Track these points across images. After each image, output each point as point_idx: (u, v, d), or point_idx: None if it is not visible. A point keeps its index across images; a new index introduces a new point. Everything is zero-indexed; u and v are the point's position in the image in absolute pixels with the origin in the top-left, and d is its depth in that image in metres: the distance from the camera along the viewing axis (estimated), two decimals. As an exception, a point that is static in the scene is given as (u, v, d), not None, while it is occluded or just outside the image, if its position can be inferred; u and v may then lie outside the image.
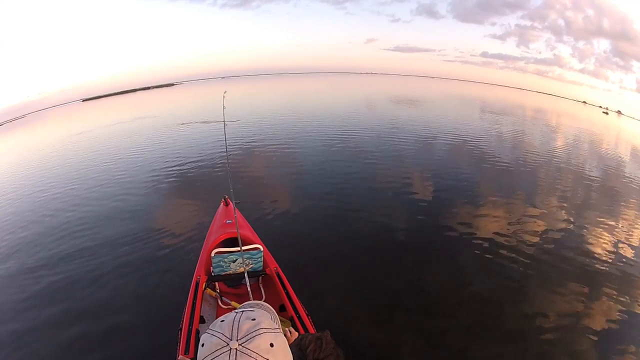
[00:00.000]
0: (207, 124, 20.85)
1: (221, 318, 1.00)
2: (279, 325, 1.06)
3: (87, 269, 5.85)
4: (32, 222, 8.26)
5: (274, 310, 1.13)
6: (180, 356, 2.84)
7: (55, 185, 11.14)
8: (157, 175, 10.90)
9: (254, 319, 0.97)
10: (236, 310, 1.03)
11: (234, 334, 0.93)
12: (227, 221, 4.90)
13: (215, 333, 0.95)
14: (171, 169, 11.54)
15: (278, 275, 4.05)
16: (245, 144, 14.66)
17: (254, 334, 0.93)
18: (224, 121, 4.99)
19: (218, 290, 4.20)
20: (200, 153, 13.64)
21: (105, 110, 47.15)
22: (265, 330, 0.95)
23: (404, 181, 10.40)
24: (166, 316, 4.28)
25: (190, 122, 21.74)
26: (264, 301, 3.94)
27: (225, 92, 5.25)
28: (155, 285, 5.31)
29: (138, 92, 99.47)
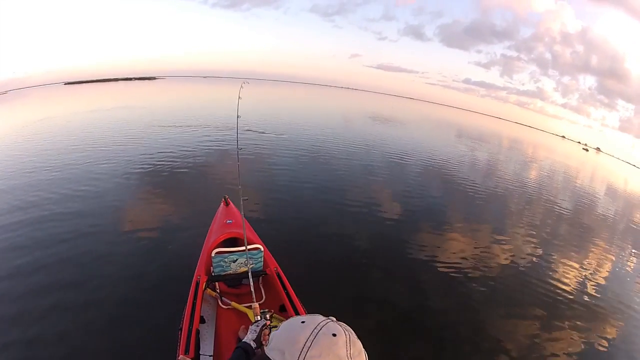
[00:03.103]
0: (202, 125, 20.48)
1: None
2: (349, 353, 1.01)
3: (85, 269, 5.68)
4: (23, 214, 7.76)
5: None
6: (180, 356, 2.82)
7: (43, 176, 10.20)
8: (155, 175, 10.60)
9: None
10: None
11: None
12: (227, 221, 4.90)
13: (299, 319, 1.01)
14: (170, 169, 11.26)
15: (278, 275, 4.06)
16: (246, 144, 14.55)
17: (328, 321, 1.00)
18: (237, 119, 4.96)
19: (218, 290, 4.16)
20: (202, 151, 13.56)
21: (89, 97, 45.75)
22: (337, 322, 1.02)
23: (381, 198, 10.72)
24: (166, 316, 4.26)
25: (186, 122, 21.10)
26: (264, 301, 3.97)
27: (242, 84, 5.21)
28: (155, 284, 5.25)
29: (120, 82, 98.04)
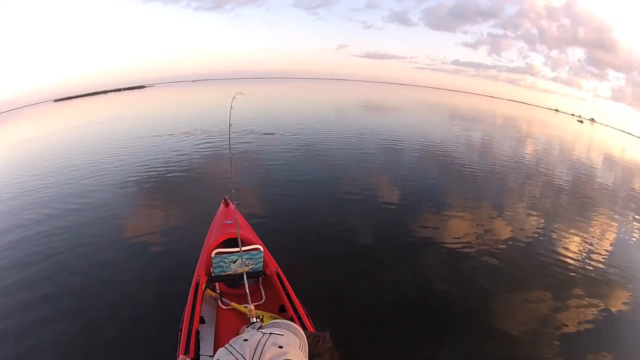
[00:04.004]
0: (202, 125, 20.62)
1: (244, 336, 0.94)
2: (306, 353, 0.99)
3: (86, 269, 5.72)
4: (31, 218, 7.96)
5: (304, 336, 1.06)
6: (180, 356, 2.80)
7: (44, 183, 10.60)
8: (155, 177, 10.68)
9: (281, 347, 0.88)
10: (263, 331, 0.96)
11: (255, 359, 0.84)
12: (227, 222, 4.87)
13: (233, 352, 0.87)
14: (170, 170, 11.33)
15: (278, 276, 4.06)
16: (242, 146, 14.46)
17: None
18: (229, 123, 4.90)
19: (218, 291, 4.15)
20: (198, 154, 13.54)
21: (80, 111, 45.44)
22: None
23: (379, 187, 10.68)
24: (166, 316, 4.23)
25: (178, 128, 20.75)
26: (264, 302, 3.92)
27: (235, 95, 5.13)
28: (155, 285, 5.24)
29: (109, 94, 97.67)
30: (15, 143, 20.90)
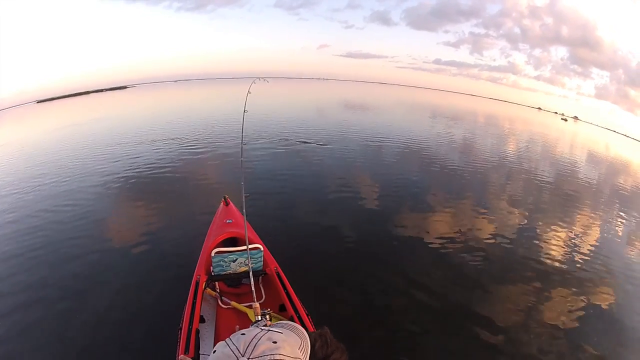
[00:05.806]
0: (191, 125, 20.53)
1: (243, 331, 0.97)
2: (306, 355, 1.00)
3: (86, 269, 5.71)
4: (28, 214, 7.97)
5: (307, 338, 1.06)
6: (180, 355, 2.80)
7: (39, 182, 10.46)
8: (154, 175, 10.61)
9: (275, 342, 0.91)
10: (263, 327, 0.99)
11: (247, 352, 0.87)
12: (227, 221, 4.88)
13: (230, 344, 0.91)
14: (169, 168, 11.28)
15: (278, 275, 4.03)
16: (240, 146, 14.22)
17: (268, 358, 0.86)
18: (244, 109, 4.90)
19: (218, 290, 4.14)
20: (197, 153, 13.46)
21: (64, 112, 44.51)
22: (281, 357, 0.88)
23: (379, 191, 10.62)
24: (166, 316, 4.21)
25: (171, 126, 20.73)
26: (264, 301, 3.93)
27: (255, 80, 5.12)
28: (155, 284, 5.22)
29: (91, 95, 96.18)
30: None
